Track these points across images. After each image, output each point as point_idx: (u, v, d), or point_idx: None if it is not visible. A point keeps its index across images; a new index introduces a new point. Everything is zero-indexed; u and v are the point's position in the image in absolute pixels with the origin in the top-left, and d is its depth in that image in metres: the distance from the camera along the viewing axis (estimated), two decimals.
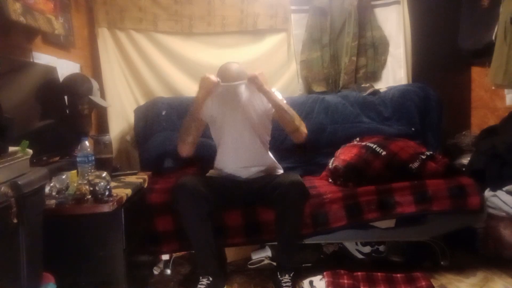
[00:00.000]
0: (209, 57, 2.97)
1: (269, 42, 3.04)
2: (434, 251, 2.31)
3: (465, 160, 2.66)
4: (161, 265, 2.32)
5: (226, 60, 2.99)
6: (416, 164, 2.24)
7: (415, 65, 3.10)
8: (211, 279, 1.97)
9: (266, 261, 2.42)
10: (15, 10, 1.76)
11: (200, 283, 1.96)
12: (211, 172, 2.28)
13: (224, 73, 2.13)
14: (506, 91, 2.87)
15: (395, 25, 3.07)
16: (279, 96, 2.15)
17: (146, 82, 2.92)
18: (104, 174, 1.65)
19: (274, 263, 2.34)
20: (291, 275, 2.04)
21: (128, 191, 1.76)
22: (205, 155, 2.53)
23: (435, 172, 2.26)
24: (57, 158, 2.07)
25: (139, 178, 2.09)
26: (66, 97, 2.22)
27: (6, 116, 1.29)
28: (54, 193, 1.60)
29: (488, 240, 2.33)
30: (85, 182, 1.65)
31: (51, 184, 1.61)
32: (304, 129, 2.18)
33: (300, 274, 2.18)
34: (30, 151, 1.32)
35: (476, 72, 3.22)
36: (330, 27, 3.03)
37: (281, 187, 1.97)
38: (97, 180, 1.60)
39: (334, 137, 2.67)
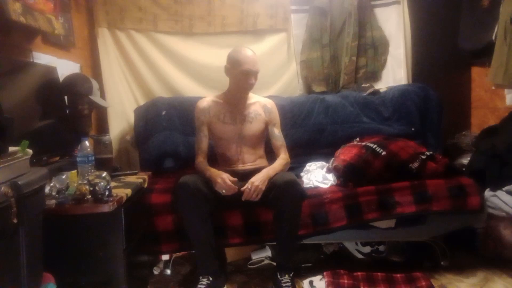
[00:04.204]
0: (209, 57, 2.97)
1: (269, 42, 3.04)
2: (434, 251, 2.31)
3: (465, 160, 2.66)
4: (161, 265, 2.32)
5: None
6: (416, 164, 2.24)
7: (415, 65, 3.10)
8: (211, 279, 1.97)
9: (266, 261, 2.42)
10: (15, 10, 1.75)
11: (200, 283, 1.96)
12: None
13: (245, 59, 2.14)
14: (506, 91, 2.87)
15: (395, 25, 3.07)
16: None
17: (146, 82, 2.92)
18: (104, 174, 1.64)
19: (274, 263, 2.34)
20: (291, 275, 2.03)
21: (128, 191, 1.76)
22: None
23: (435, 172, 2.26)
24: (57, 158, 2.07)
25: (139, 178, 2.09)
26: (66, 97, 2.22)
27: (6, 116, 1.29)
28: (54, 193, 1.60)
29: (488, 240, 2.33)
30: (85, 182, 1.65)
31: (51, 184, 1.61)
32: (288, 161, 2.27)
33: (300, 274, 2.18)
34: (30, 151, 1.32)
35: (476, 72, 3.22)
36: (330, 27, 3.03)
37: (277, 187, 1.97)
38: (97, 180, 1.60)
39: (334, 137, 2.68)
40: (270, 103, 2.32)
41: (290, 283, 1.98)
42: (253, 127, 2.24)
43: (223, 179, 1.99)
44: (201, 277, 1.98)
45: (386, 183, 2.21)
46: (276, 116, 2.32)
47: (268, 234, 2.11)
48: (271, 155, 2.35)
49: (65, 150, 2.12)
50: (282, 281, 1.99)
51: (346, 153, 2.37)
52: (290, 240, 2.05)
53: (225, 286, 2.11)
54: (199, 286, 1.95)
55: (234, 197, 2.04)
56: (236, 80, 2.17)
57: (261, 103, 2.29)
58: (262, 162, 2.29)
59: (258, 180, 2.02)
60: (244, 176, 2.10)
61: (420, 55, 3.11)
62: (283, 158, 2.23)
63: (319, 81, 3.04)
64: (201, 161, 2.18)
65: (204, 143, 2.21)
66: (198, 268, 2.07)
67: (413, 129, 2.70)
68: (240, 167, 2.23)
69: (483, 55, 2.88)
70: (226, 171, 2.08)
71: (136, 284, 1.87)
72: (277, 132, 2.29)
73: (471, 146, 2.78)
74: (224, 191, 2.00)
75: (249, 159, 2.25)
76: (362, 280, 2.08)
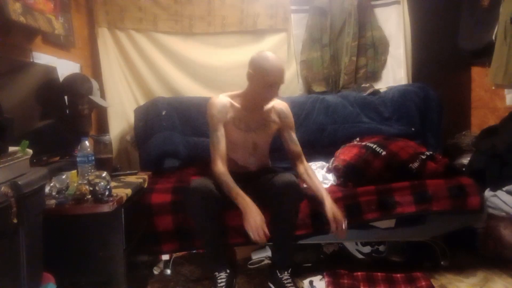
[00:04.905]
0: (209, 57, 2.98)
1: (269, 42, 3.04)
2: (434, 251, 2.31)
3: (465, 160, 2.66)
4: (161, 265, 2.32)
5: (226, 60, 3.01)
6: (416, 164, 2.24)
7: (415, 65, 3.10)
8: (228, 271, 1.99)
9: (266, 261, 2.42)
10: (15, 10, 1.76)
11: (219, 278, 1.96)
12: None
13: (273, 70, 1.97)
14: (506, 91, 2.87)
15: (395, 25, 3.07)
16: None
17: (146, 82, 2.92)
18: (104, 174, 1.64)
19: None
20: (289, 271, 2.03)
21: (128, 191, 1.76)
22: (205, 155, 2.53)
23: (435, 172, 2.26)
24: (57, 158, 2.07)
25: (139, 178, 2.09)
26: (66, 97, 2.22)
27: (6, 116, 1.29)
28: (54, 193, 1.60)
29: (488, 240, 2.33)
30: (85, 182, 1.65)
31: (51, 184, 1.61)
32: None
33: (300, 274, 2.18)
34: (30, 151, 1.32)
35: (476, 72, 3.22)
36: (330, 27, 3.03)
37: (275, 188, 1.95)
38: (97, 180, 1.60)
39: (334, 137, 2.68)
40: (285, 107, 2.21)
41: (290, 279, 1.99)
42: (265, 134, 2.16)
43: (257, 226, 1.81)
44: (217, 273, 1.98)
45: (386, 183, 2.21)
46: (292, 120, 2.21)
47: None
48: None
49: (65, 150, 2.12)
50: (282, 279, 1.99)
51: (346, 153, 2.37)
52: (288, 240, 2.04)
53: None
54: (219, 280, 1.95)
55: None
56: (258, 89, 2.01)
57: (276, 109, 2.18)
58: (266, 164, 2.26)
59: (336, 212, 1.96)
60: (245, 178, 2.09)
61: (420, 55, 3.11)
62: (311, 169, 2.15)
63: (319, 81, 3.04)
64: (223, 172, 1.94)
65: (222, 144, 2.00)
66: (212, 266, 2.04)
67: (413, 129, 2.70)
68: (243, 170, 2.18)
69: (483, 55, 2.88)
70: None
71: (136, 284, 1.86)
72: (294, 137, 2.19)
73: (471, 146, 2.78)
74: (251, 234, 1.84)
75: (254, 163, 2.19)
76: (362, 280, 2.08)
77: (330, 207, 1.98)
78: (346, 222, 1.97)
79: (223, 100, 2.07)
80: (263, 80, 1.97)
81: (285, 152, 2.22)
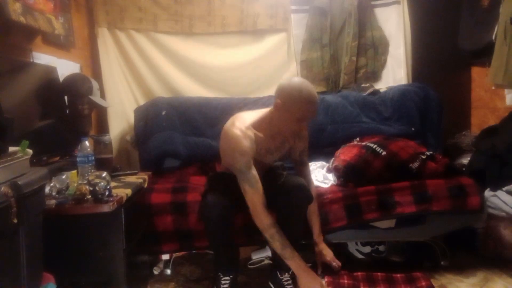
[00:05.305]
0: (209, 57, 2.98)
1: (269, 42, 3.04)
2: (434, 251, 2.31)
3: (465, 160, 2.66)
4: (161, 265, 2.32)
5: (226, 60, 3.01)
6: (416, 164, 2.24)
7: (415, 65, 3.10)
8: (232, 276, 1.98)
9: (266, 261, 2.42)
10: (15, 10, 1.76)
11: (223, 279, 1.96)
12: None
13: (310, 110, 1.79)
14: (506, 91, 2.87)
15: (395, 25, 3.08)
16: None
17: (146, 82, 2.92)
18: (104, 174, 1.64)
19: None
20: (290, 272, 2.03)
21: (128, 191, 1.76)
22: (205, 155, 2.54)
23: (435, 172, 2.26)
24: (57, 158, 2.07)
25: (139, 178, 2.09)
26: (66, 97, 2.22)
27: (6, 116, 1.29)
28: (54, 193, 1.60)
29: (488, 240, 2.33)
30: (85, 182, 1.65)
31: (51, 184, 1.61)
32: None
33: None
34: (30, 151, 1.32)
35: (476, 72, 3.22)
36: (330, 27, 3.03)
37: (284, 189, 1.94)
38: (97, 180, 1.60)
39: (334, 137, 2.68)
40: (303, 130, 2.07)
41: (290, 281, 1.99)
42: (281, 153, 2.09)
43: None
44: (221, 275, 1.98)
45: (386, 183, 2.21)
46: (306, 143, 2.10)
47: None
48: None
49: (65, 150, 2.12)
50: (283, 280, 1.99)
51: (346, 153, 2.37)
52: (292, 241, 2.04)
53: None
54: (223, 282, 1.95)
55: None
56: (286, 122, 1.83)
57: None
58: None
59: (325, 257, 2.05)
60: None
61: (420, 55, 3.11)
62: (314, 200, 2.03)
63: (319, 81, 3.05)
64: (272, 223, 1.79)
65: (260, 184, 1.81)
66: (219, 268, 2.03)
67: (413, 129, 2.70)
68: None
69: (483, 55, 2.89)
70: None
71: (136, 284, 1.86)
72: (305, 160, 2.12)
73: (471, 146, 2.78)
74: None
75: (264, 170, 2.10)
76: (362, 280, 2.08)
77: (319, 251, 2.05)
78: (336, 263, 2.04)
79: (249, 134, 1.85)
80: (294, 115, 1.78)
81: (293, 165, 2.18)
